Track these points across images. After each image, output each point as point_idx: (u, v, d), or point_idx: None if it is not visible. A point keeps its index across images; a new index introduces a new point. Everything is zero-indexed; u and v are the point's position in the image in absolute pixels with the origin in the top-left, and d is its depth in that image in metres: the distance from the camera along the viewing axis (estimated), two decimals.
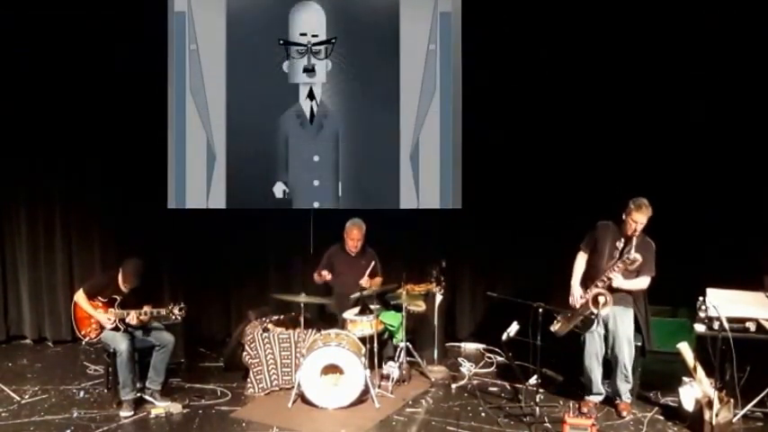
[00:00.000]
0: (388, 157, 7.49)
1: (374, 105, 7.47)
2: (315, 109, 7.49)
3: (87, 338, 6.22)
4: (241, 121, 7.44)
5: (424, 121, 7.43)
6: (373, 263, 6.93)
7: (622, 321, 5.94)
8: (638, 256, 5.71)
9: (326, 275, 6.85)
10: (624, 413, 6.02)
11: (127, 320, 6.09)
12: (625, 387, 6.07)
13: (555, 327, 6.03)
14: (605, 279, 5.82)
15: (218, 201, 7.47)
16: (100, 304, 6.14)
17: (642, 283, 5.91)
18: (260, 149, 7.50)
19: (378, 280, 6.93)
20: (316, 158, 7.54)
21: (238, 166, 7.45)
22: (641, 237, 5.81)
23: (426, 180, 7.47)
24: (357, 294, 6.67)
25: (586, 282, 5.98)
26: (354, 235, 6.86)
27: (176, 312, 6.17)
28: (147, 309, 6.13)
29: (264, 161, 7.51)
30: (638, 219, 5.73)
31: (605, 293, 5.79)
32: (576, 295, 6.00)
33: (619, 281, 5.80)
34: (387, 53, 7.42)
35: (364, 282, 6.69)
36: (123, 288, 6.15)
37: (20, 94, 7.45)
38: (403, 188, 7.48)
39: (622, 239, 5.85)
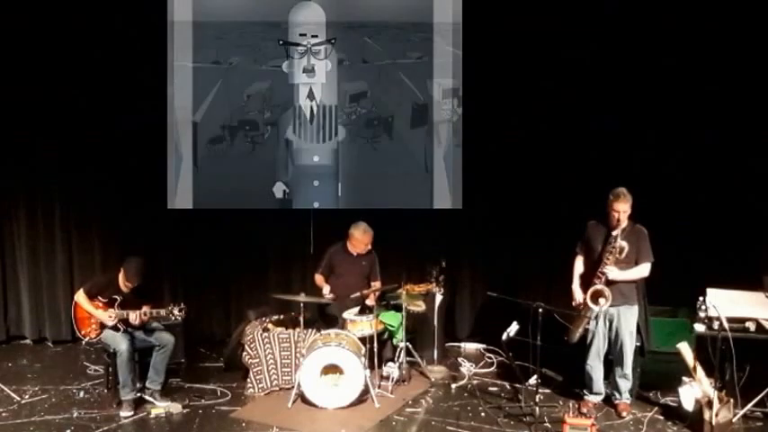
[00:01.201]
0: (392, 156, 7.49)
1: (378, 105, 7.48)
2: (315, 109, 7.49)
3: (87, 338, 6.22)
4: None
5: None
6: (374, 265, 6.94)
7: (626, 318, 5.94)
8: (624, 244, 5.72)
9: (327, 294, 6.81)
10: (623, 413, 6.02)
11: (131, 317, 6.09)
12: (625, 385, 6.06)
13: (567, 336, 6.02)
14: (600, 275, 5.81)
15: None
16: (100, 305, 6.14)
17: (642, 270, 5.90)
18: (259, 150, 7.50)
19: (377, 284, 6.92)
20: (315, 159, 7.54)
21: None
22: (630, 225, 5.81)
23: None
24: (357, 294, 6.67)
25: (588, 283, 5.96)
26: (366, 240, 6.82)
27: (176, 313, 6.18)
28: (146, 309, 6.14)
29: (264, 161, 7.51)
30: (620, 208, 5.72)
31: (604, 290, 5.78)
32: (579, 298, 5.99)
33: (614, 273, 5.79)
34: (396, 53, 7.43)
35: (366, 292, 6.69)
36: (124, 288, 6.15)
37: (19, 94, 7.44)
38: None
39: (612, 233, 5.84)
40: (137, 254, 6.23)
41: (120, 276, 6.13)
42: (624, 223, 5.76)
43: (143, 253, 6.31)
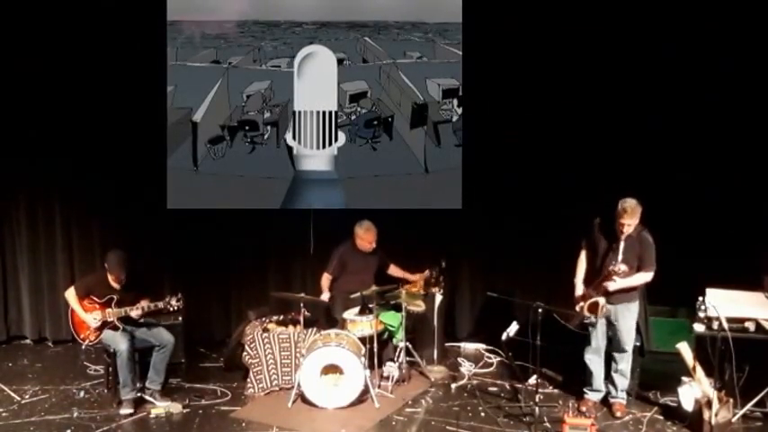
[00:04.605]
0: (392, 157, 7.49)
1: (378, 105, 7.48)
2: (315, 110, 7.49)
3: (87, 341, 6.23)
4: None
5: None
6: (383, 258, 7.05)
7: (624, 316, 5.94)
8: (624, 267, 5.69)
9: (324, 297, 6.89)
10: (618, 413, 6.02)
11: (132, 315, 6.10)
12: (621, 383, 6.06)
13: (567, 320, 6.01)
14: (599, 286, 5.79)
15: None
16: (97, 305, 6.14)
17: (643, 278, 5.88)
18: (259, 150, 7.51)
19: (397, 269, 7.10)
20: (315, 164, 7.52)
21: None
22: (638, 231, 5.78)
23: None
24: (357, 294, 6.67)
25: (589, 278, 5.95)
26: (369, 237, 6.87)
27: (173, 303, 6.17)
28: (144, 303, 6.15)
29: (263, 161, 7.51)
30: (627, 221, 5.70)
31: (599, 302, 5.76)
32: (579, 293, 5.97)
33: (614, 286, 5.77)
34: (396, 53, 7.44)
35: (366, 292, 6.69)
36: (114, 284, 6.15)
37: (20, 95, 7.44)
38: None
39: (617, 240, 5.81)
40: (116, 248, 6.27)
41: (108, 274, 6.13)
42: (630, 231, 5.76)
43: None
